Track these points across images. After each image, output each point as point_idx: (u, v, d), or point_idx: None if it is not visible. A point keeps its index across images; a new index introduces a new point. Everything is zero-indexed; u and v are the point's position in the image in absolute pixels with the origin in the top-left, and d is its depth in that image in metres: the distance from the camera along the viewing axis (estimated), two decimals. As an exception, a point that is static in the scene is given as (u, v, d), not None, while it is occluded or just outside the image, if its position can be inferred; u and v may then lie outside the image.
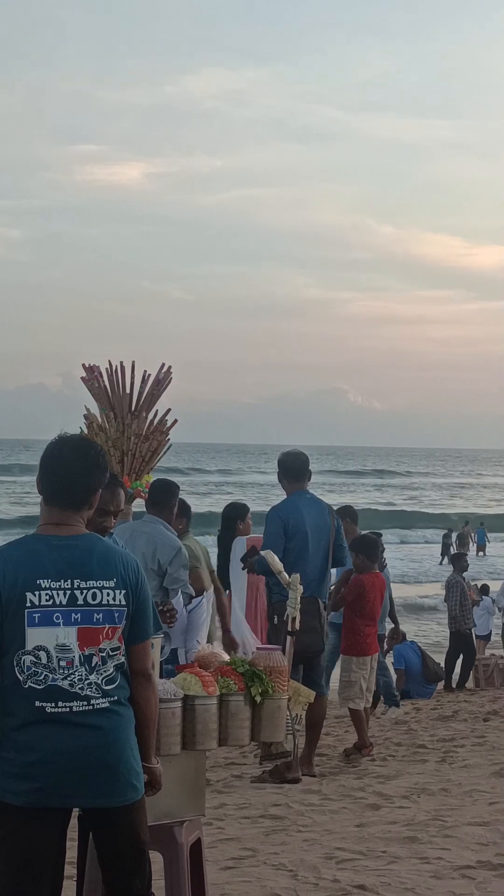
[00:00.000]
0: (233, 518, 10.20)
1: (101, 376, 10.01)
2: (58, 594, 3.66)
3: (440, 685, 14.81)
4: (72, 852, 4.50)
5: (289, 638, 7.88)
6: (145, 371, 10.11)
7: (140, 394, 10.00)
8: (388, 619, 12.74)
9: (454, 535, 40.52)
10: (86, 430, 9.81)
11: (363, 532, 11.15)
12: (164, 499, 8.29)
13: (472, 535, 42.24)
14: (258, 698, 4.73)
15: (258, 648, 5.05)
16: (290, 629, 7.91)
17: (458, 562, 16.84)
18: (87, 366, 10.07)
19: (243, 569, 9.28)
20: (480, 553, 40.91)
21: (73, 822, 3.97)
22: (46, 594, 3.65)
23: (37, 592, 3.64)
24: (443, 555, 37.64)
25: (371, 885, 5.58)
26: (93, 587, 3.70)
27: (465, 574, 16.29)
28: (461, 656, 15.53)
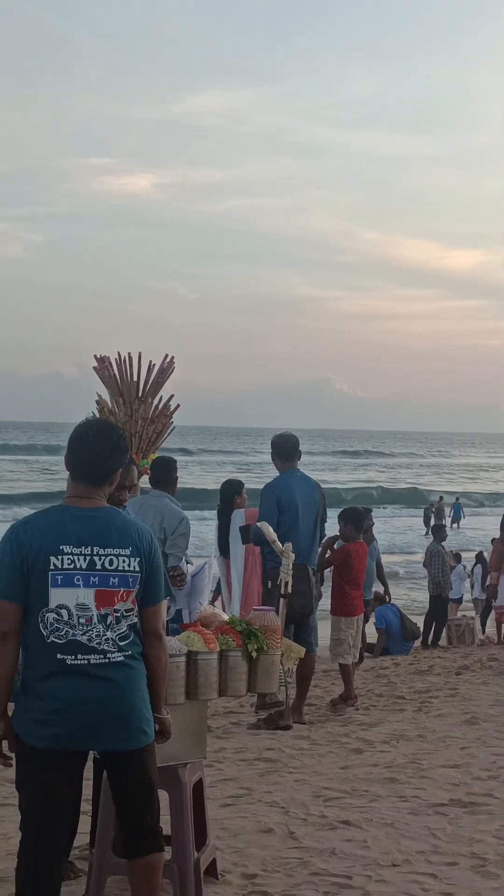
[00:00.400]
0: (230, 493, 10.23)
1: (112, 366, 10.03)
2: (79, 559, 3.70)
3: (417, 643, 14.87)
4: (87, 791, 4.56)
5: (282, 600, 7.95)
6: (151, 361, 10.13)
7: (146, 381, 10.02)
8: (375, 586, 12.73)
9: (435, 508, 40.51)
10: (97, 414, 9.83)
11: (352, 505, 11.14)
12: (165, 475, 8.33)
13: (448, 509, 42.20)
14: (254, 654, 4.77)
15: (254, 609, 5.09)
16: (283, 592, 7.97)
17: (438, 532, 16.91)
18: (98, 356, 10.08)
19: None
20: (455, 525, 40.87)
21: (90, 764, 4.02)
22: (68, 559, 3.70)
23: (60, 557, 3.69)
24: (427, 526, 37.65)
25: (355, 821, 5.64)
26: (110, 554, 3.74)
27: (443, 543, 16.35)
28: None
